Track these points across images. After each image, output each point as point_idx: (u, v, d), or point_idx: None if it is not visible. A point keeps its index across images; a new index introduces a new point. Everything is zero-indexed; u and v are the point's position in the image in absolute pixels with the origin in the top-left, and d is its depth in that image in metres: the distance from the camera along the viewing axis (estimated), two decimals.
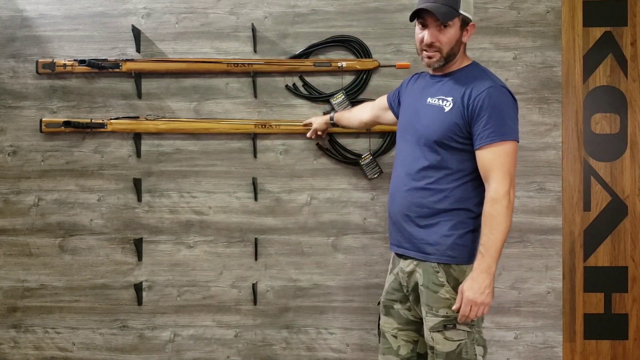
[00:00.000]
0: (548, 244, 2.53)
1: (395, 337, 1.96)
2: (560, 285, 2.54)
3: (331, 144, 2.55)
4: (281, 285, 2.58)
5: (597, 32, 2.52)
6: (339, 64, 2.50)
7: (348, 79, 2.54)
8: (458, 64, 1.84)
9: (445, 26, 1.76)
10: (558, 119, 2.52)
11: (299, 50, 2.54)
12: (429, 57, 1.80)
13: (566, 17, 2.52)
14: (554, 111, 2.52)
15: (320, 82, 2.55)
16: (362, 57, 2.52)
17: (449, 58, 1.81)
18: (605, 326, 2.54)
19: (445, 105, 1.78)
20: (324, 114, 2.49)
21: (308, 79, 2.55)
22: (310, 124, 2.47)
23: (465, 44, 1.84)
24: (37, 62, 2.55)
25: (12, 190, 2.62)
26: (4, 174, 2.62)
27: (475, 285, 1.70)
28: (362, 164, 2.50)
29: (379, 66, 2.51)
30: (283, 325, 2.59)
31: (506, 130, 1.70)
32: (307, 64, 2.50)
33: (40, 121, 2.56)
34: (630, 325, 2.54)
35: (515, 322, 2.54)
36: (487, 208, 1.70)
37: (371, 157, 2.50)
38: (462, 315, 1.73)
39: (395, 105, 2.12)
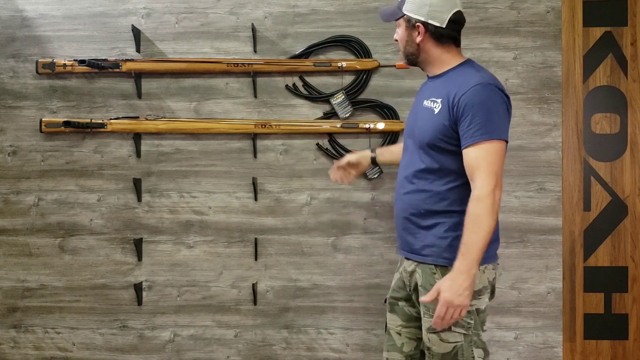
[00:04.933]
0: (548, 244, 2.53)
1: (399, 334, 1.96)
2: (560, 285, 2.54)
3: (331, 144, 2.55)
4: (281, 285, 2.58)
5: (597, 32, 2.52)
6: (339, 64, 2.50)
7: (348, 79, 2.54)
8: (448, 64, 1.79)
9: (398, 26, 1.84)
10: (558, 119, 2.52)
11: (299, 50, 2.54)
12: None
13: (566, 17, 2.52)
14: (554, 111, 2.52)
15: (320, 82, 2.55)
16: (362, 57, 2.52)
17: (408, 57, 1.85)
18: (605, 326, 2.53)
19: (435, 107, 1.75)
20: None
21: (308, 79, 2.55)
22: (344, 166, 2.17)
23: (437, 45, 1.78)
24: (37, 62, 2.55)
25: (12, 190, 2.62)
26: (4, 174, 2.62)
27: (455, 286, 1.61)
28: None
29: (379, 66, 2.51)
30: (283, 325, 2.59)
31: (492, 128, 1.65)
32: (307, 64, 2.50)
33: (40, 121, 2.56)
34: (630, 325, 2.54)
35: (515, 322, 2.54)
36: (471, 207, 1.65)
37: None
38: (437, 317, 1.63)
39: None
